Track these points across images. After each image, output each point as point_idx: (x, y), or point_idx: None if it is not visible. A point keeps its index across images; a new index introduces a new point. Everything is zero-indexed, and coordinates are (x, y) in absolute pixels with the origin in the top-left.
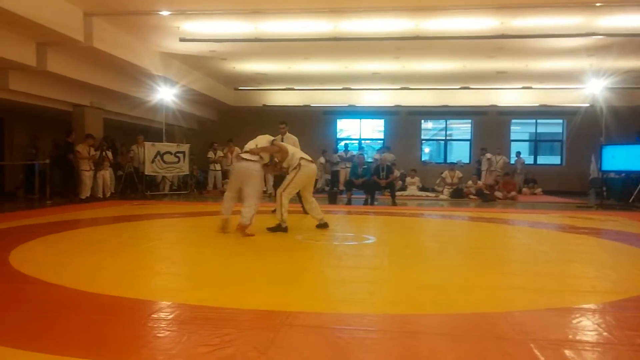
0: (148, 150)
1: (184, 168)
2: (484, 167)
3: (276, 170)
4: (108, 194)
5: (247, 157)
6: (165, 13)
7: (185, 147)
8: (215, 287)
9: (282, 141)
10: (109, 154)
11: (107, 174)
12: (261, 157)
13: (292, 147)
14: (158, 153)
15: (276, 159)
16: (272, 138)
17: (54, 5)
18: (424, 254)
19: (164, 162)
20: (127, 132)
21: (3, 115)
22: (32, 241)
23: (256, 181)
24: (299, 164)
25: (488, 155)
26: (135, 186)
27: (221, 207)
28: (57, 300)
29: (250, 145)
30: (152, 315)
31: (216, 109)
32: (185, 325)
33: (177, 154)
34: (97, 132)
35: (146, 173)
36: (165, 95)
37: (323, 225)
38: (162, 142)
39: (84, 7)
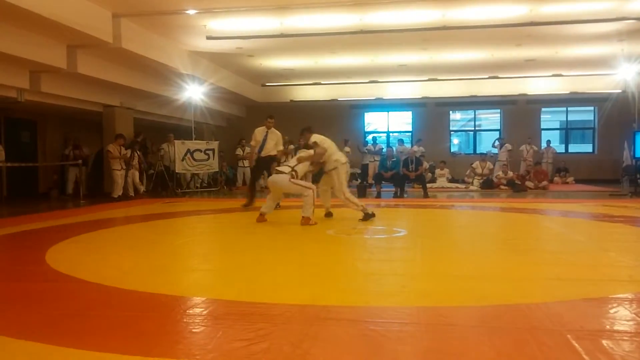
0: (178, 148)
1: (213, 165)
2: (501, 157)
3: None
4: (141, 191)
5: (280, 170)
6: (191, 12)
7: (215, 145)
8: (248, 282)
9: (267, 135)
10: (139, 153)
11: (137, 173)
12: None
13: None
14: (188, 151)
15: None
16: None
17: (83, 8)
18: (456, 246)
19: (194, 159)
20: (157, 131)
21: (36, 118)
22: (67, 240)
23: (292, 185)
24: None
25: (508, 146)
26: (166, 184)
27: (267, 204)
28: (94, 298)
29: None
30: (187, 311)
31: (244, 105)
32: (220, 320)
33: (207, 152)
34: (128, 132)
35: (177, 171)
36: (194, 93)
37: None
38: (192, 140)
39: (112, 9)
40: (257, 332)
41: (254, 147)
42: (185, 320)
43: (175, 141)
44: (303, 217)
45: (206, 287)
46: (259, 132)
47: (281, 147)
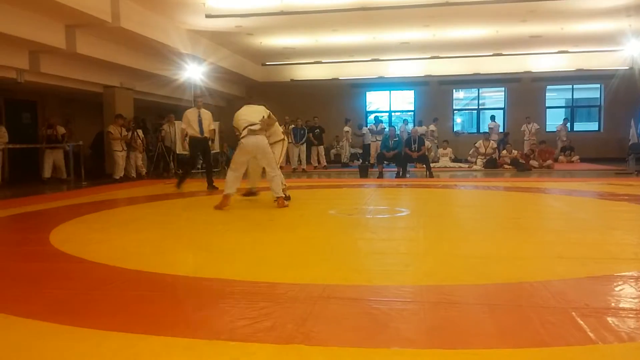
0: (178, 129)
1: (214, 146)
2: (493, 137)
3: None
4: (143, 174)
5: (256, 130)
6: None
7: (215, 125)
8: (250, 262)
9: (200, 115)
10: (140, 133)
11: (139, 155)
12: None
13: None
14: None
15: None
16: (265, 109)
17: None
18: (459, 225)
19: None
20: (157, 112)
21: (36, 98)
22: (70, 221)
23: (270, 153)
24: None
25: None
26: (167, 165)
27: (227, 185)
28: (98, 278)
29: (250, 117)
30: (191, 291)
31: (244, 85)
32: (223, 299)
33: None
34: (128, 113)
35: (177, 152)
36: (193, 73)
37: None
38: None
39: None
40: (261, 311)
41: (184, 129)
42: (189, 299)
43: (176, 122)
44: (279, 197)
45: (209, 267)
46: (191, 113)
47: (212, 127)
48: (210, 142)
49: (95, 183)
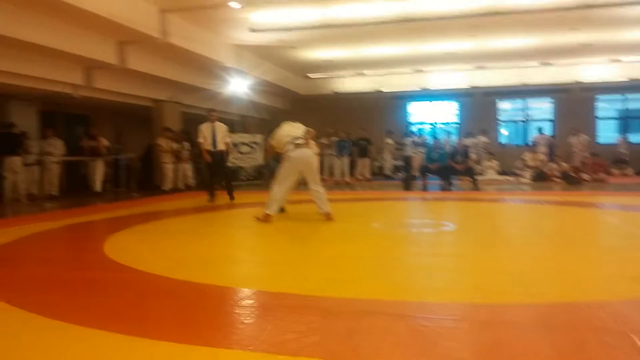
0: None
1: (258, 158)
2: (540, 150)
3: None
4: (191, 185)
5: (302, 144)
6: (235, 5)
7: (259, 137)
8: (297, 275)
9: (214, 129)
10: (186, 145)
11: (188, 166)
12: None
13: None
14: (233, 144)
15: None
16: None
17: (132, 5)
18: (509, 241)
19: (240, 152)
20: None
21: (89, 112)
22: (122, 231)
23: (317, 168)
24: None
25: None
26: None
27: (274, 202)
28: (151, 288)
29: (293, 132)
30: (239, 303)
31: (287, 98)
32: (271, 312)
33: (252, 144)
34: (176, 126)
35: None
36: (238, 86)
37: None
38: (237, 133)
39: (159, 5)
40: (308, 325)
41: (202, 143)
42: (236, 311)
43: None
44: (327, 212)
45: (256, 278)
46: (205, 128)
47: (228, 140)
48: (225, 155)
49: (145, 194)
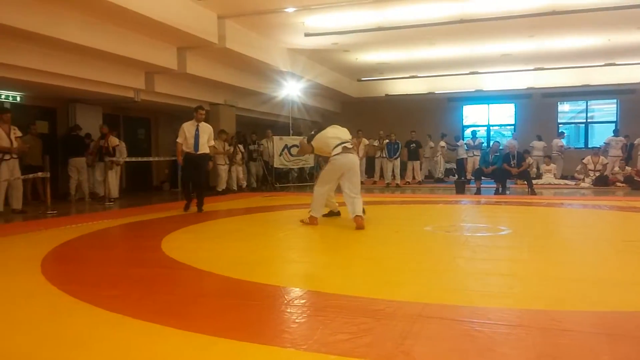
0: (276, 144)
1: (309, 160)
2: (612, 153)
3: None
4: (244, 187)
5: (350, 148)
6: (290, 10)
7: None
8: (347, 276)
9: (198, 130)
10: (241, 147)
11: (240, 168)
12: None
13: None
14: (285, 146)
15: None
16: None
17: (192, 11)
18: (568, 247)
19: (291, 155)
20: (257, 128)
21: (149, 116)
22: (179, 230)
23: (359, 173)
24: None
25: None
26: (266, 178)
27: (317, 205)
28: (206, 285)
29: (341, 135)
30: (291, 302)
31: (339, 101)
32: (322, 312)
33: None
34: (231, 128)
35: (275, 166)
36: (292, 90)
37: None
38: (289, 135)
39: (217, 11)
40: (360, 326)
41: (180, 144)
42: (289, 310)
43: (274, 137)
44: (358, 216)
45: (307, 278)
46: (188, 127)
47: (212, 143)
48: (207, 160)
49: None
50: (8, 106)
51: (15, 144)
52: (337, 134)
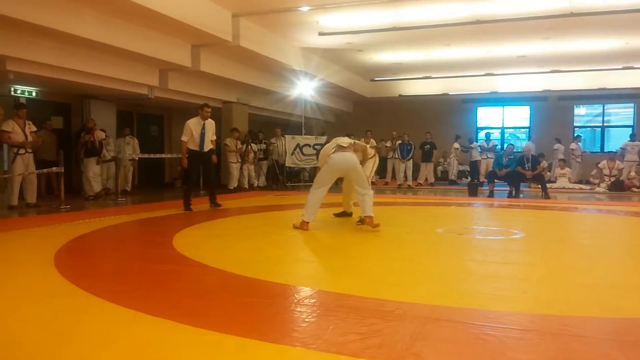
0: (288, 142)
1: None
2: (629, 158)
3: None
4: (255, 185)
5: (345, 147)
6: (305, 9)
7: (323, 140)
8: (358, 276)
9: (204, 127)
10: (253, 146)
11: (252, 167)
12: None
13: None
14: (297, 145)
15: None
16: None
17: (206, 9)
18: (582, 251)
19: (303, 154)
20: (269, 126)
21: (163, 113)
22: (190, 227)
23: (361, 169)
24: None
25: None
26: (277, 177)
27: (311, 208)
28: (217, 282)
29: (339, 141)
30: (301, 301)
31: (352, 101)
32: (332, 312)
33: (315, 146)
34: (243, 127)
35: (286, 165)
36: (304, 89)
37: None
38: (301, 135)
39: (232, 9)
40: (370, 327)
41: (185, 142)
42: (299, 309)
43: (286, 136)
44: (367, 216)
45: (317, 278)
46: (194, 124)
47: (214, 138)
48: (212, 155)
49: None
50: (23, 101)
51: (30, 139)
52: (336, 141)
